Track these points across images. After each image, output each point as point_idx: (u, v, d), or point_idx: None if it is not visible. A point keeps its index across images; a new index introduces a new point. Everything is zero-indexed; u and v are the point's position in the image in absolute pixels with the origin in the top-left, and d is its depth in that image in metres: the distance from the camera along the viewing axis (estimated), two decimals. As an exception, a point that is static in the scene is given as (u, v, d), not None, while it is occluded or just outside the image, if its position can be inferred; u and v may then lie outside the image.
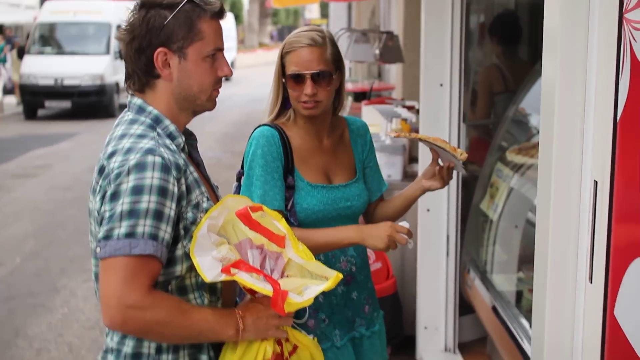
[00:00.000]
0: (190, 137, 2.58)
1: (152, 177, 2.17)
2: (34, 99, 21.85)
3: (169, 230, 2.20)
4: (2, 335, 6.42)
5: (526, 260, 4.48)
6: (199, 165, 2.57)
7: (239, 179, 3.15)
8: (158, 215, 2.17)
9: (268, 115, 3.14)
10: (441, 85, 4.91)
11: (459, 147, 4.94)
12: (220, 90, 2.48)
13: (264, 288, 2.20)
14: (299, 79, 2.99)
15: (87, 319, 6.73)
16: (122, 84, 2.51)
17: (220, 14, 2.41)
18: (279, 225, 2.38)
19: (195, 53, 2.36)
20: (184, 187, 2.28)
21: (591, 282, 2.21)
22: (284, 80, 3.07)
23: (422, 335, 5.15)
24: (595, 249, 2.18)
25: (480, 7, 6.61)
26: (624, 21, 2.01)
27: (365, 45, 8.08)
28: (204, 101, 2.43)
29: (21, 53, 23.12)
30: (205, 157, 2.68)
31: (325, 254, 3.07)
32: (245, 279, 2.20)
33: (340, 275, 2.31)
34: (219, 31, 2.42)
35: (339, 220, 3.08)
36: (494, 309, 4.48)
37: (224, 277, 2.19)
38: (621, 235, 2.04)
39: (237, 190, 3.14)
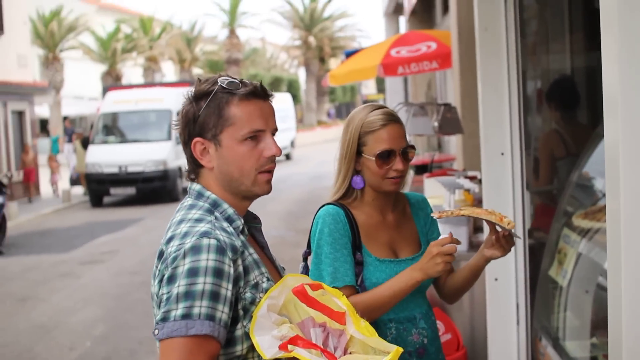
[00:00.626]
0: (254, 221, 2.62)
1: (207, 259, 2.22)
2: (99, 187, 22.45)
3: (226, 311, 2.23)
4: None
5: (599, 325, 4.40)
6: (263, 247, 2.60)
7: (305, 259, 3.19)
8: (214, 296, 2.21)
9: (333, 194, 3.17)
10: (502, 154, 4.92)
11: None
12: (272, 171, 2.48)
13: None
14: (388, 155, 3.04)
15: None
16: (184, 168, 2.58)
17: (254, 94, 2.42)
18: (339, 302, 2.40)
19: (229, 139, 2.39)
20: (240, 268, 2.32)
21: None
22: (373, 158, 3.07)
23: (497, 406, 5.06)
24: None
25: (537, 74, 6.62)
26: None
27: (423, 118, 8.12)
28: (249, 186, 2.45)
29: (86, 143, 23.71)
30: (269, 236, 2.71)
31: (397, 328, 3.08)
32: (304, 354, 2.20)
33: (401, 350, 2.30)
34: (254, 112, 2.41)
35: (410, 294, 3.07)
36: (569, 377, 4.40)
37: (282, 354, 2.20)
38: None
39: (304, 270, 3.18)
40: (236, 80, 2.43)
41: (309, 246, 3.17)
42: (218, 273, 2.22)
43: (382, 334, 2.99)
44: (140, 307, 10.14)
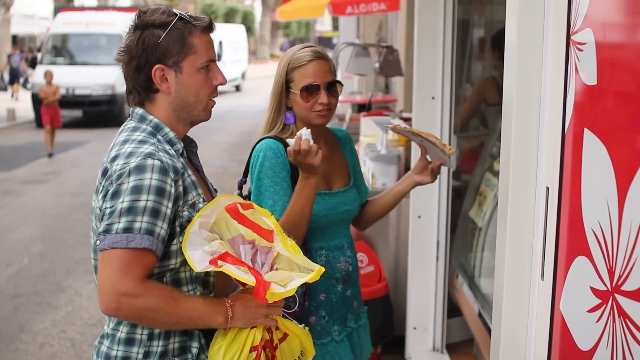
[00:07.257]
0: (190, 144, 2.79)
1: (150, 178, 2.38)
2: (45, 108, 22.07)
3: (164, 227, 2.40)
4: (8, 330, 6.64)
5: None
6: (198, 170, 2.77)
7: (240, 187, 3.35)
8: (155, 213, 2.37)
9: (267, 131, 3.29)
10: (433, 98, 5.07)
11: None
12: (216, 99, 2.68)
13: (248, 279, 2.38)
14: (313, 89, 3.18)
15: (90, 316, 6.93)
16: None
17: (209, 28, 2.61)
18: (268, 221, 2.56)
19: (190, 66, 2.56)
20: (181, 188, 2.48)
21: (542, 280, 2.40)
22: (299, 92, 3.20)
23: (412, 335, 5.33)
24: (547, 249, 2.37)
25: (481, 23, 6.76)
26: (571, 42, 2.20)
27: (366, 58, 8.26)
28: (200, 111, 2.63)
29: (34, 63, 23.33)
30: (212, 165, 2.89)
31: (327, 255, 3.28)
32: (231, 270, 2.37)
33: (322, 269, 2.47)
34: (209, 44, 2.62)
35: (339, 224, 3.32)
36: (480, 313, 4.65)
37: (212, 269, 2.37)
38: (566, 236, 2.23)
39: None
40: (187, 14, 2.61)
41: (245, 175, 3.33)
42: (160, 192, 2.38)
43: (313, 260, 3.17)
44: (79, 228, 10.22)
